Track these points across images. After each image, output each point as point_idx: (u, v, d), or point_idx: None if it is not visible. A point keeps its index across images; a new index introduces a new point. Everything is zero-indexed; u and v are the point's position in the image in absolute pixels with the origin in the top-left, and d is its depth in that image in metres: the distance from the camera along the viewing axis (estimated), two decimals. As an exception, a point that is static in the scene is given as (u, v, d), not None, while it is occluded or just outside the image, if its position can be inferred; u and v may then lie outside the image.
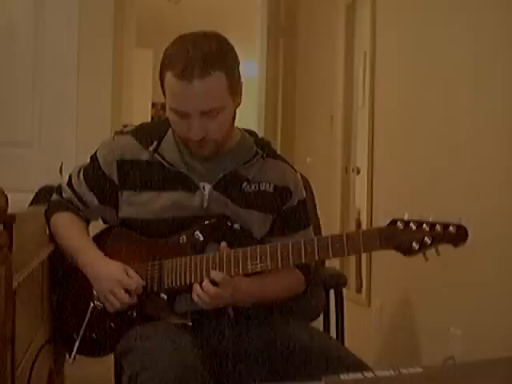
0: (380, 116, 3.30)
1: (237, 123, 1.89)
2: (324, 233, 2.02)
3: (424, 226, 1.56)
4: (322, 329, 2.46)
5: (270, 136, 4.53)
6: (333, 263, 3.30)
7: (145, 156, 1.82)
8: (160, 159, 1.80)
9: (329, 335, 2.16)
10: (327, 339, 1.85)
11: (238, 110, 1.83)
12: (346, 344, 2.39)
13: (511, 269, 2.18)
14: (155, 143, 1.82)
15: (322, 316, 2.32)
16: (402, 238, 1.57)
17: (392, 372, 1.05)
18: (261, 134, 1.94)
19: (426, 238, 1.55)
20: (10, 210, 1.53)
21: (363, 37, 3.58)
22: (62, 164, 3.81)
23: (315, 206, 2.38)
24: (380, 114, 3.30)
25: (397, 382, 1.04)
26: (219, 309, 1.78)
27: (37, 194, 2.35)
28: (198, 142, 1.74)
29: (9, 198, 1.53)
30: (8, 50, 3.82)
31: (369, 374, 1.05)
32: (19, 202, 1.75)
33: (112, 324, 1.82)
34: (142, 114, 6.01)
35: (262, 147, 1.87)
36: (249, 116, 4.65)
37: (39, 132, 3.86)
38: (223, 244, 1.72)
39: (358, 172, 3.64)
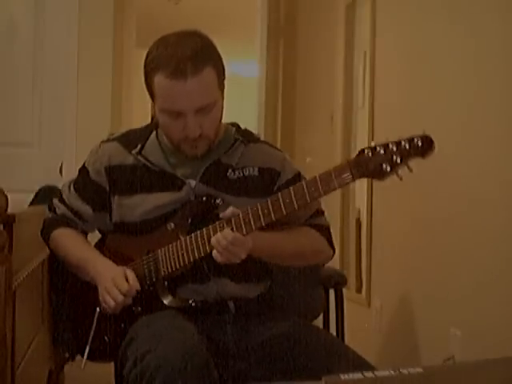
0: (380, 116, 3.30)
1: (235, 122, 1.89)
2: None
3: (390, 146, 1.54)
4: (322, 329, 2.46)
5: (270, 136, 4.53)
6: (333, 263, 3.30)
7: (130, 160, 1.84)
8: (144, 161, 1.82)
9: (330, 333, 2.15)
10: (329, 337, 1.85)
11: (237, 110, 1.83)
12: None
13: (511, 269, 2.18)
14: (139, 146, 1.83)
15: (321, 316, 2.32)
16: (371, 163, 1.55)
17: (392, 372, 1.05)
18: (261, 134, 1.94)
19: (395, 157, 1.53)
20: (9, 210, 1.53)
21: (363, 36, 3.58)
22: (61, 164, 3.82)
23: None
24: (380, 114, 3.30)
25: (397, 381, 1.04)
26: (221, 304, 1.79)
27: (37, 193, 2.36)
28: (193, 141, 1.74)
29: (9, 197, 1.54)
30: (8, 50, 3.83)
31: (369, 374, 1.05)
32: (19, 202, 1.75)
33: (118, 327, 1.82)
34: (142, 114, 5.98)
35: (244, 135, 1.87)
36: (249, 116, 4.66)
37: (39, 132, 3.87)
38: (222, 212, 1.68)
39: (358, 172, 3.63)
